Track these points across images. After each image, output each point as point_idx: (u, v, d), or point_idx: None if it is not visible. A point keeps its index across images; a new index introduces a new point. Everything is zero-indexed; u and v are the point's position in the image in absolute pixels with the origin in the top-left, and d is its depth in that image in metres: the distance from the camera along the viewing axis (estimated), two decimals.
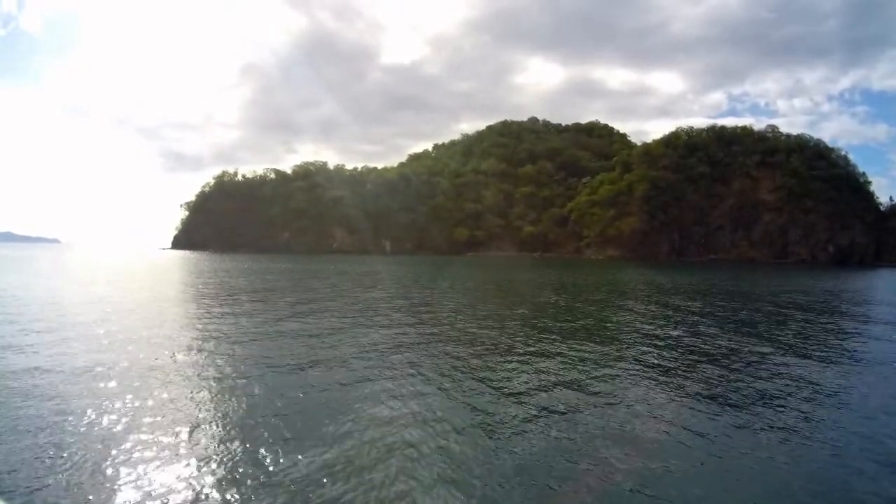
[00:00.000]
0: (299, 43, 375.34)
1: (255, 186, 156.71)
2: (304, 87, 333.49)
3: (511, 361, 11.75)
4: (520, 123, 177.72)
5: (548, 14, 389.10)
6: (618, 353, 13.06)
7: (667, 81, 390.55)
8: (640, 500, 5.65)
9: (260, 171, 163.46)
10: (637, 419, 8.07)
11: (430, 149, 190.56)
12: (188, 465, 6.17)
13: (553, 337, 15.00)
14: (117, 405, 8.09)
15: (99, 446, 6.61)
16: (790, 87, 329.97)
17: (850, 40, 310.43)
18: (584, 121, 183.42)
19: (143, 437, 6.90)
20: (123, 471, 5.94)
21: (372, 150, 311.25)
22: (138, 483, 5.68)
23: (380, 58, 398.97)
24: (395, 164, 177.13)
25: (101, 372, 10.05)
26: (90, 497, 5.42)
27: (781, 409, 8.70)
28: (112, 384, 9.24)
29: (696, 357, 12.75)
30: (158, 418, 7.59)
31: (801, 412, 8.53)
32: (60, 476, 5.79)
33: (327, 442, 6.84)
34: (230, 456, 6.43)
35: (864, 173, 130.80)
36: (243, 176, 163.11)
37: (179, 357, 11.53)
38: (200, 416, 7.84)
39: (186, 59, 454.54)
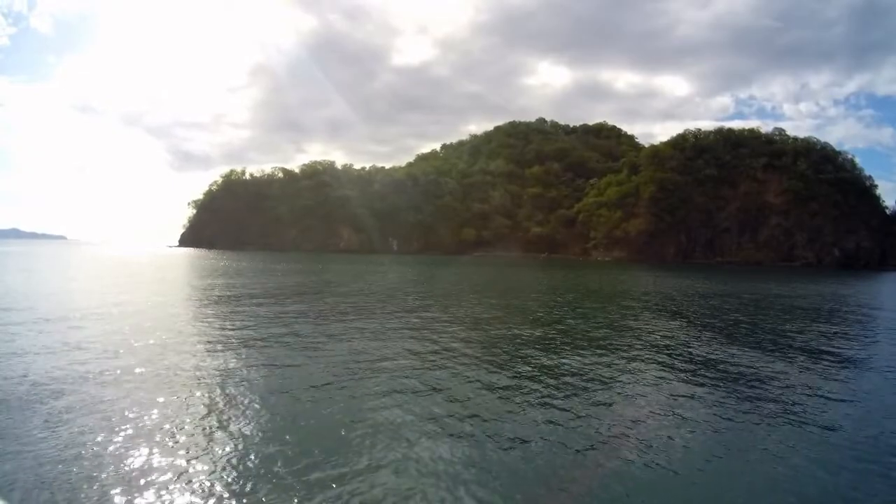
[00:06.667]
0: (309, 44, 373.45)
1: (262, 185, 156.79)
2: (313, 87, 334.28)
3: (517, 365, 12.05)
4: (528, 124, 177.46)
5: (556, 17, 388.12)
6: (616, 355, 13.35)
7: (674, 84, 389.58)
8: (641, 500, 5.86)
9: (268, 170, 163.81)
10: (636, 419, 8.34)
11: (439, 149, 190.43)
12: (188, 464, 6.19)
13: (556, 337, 15.44)
14: (121, 406, 8.13)
15: (101, 444, 6.66)
16: (796, 91, 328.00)
17: (856, 45, 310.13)
18: (591, 122, 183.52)
19: (146, 438, 6.94)
20: (125, 472, 5.98)
21: (380, 151, 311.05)
22: (140, 485, 5.68)
23: (389, 59, 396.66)
24: (404, 164, 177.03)
25: (107, 370, 10.15)
26: (90, 497, 5.45)
27: (780, 411, 8.98)
28: (118, 385, 9.27)
29: (696, 359, 13.04)
30: (163, 420, 7.65)
31: (801, 414, 8.83)
32: (61, 477, 5.80)
33: (334, 438, 7.13)
34: (233, 455, 6.48)
35: (870, 177, 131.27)
36: (251, 175, 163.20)
37: (183, 358, 11.60)
38: (206, 416, 7.91)
39: (196, 59, 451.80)
